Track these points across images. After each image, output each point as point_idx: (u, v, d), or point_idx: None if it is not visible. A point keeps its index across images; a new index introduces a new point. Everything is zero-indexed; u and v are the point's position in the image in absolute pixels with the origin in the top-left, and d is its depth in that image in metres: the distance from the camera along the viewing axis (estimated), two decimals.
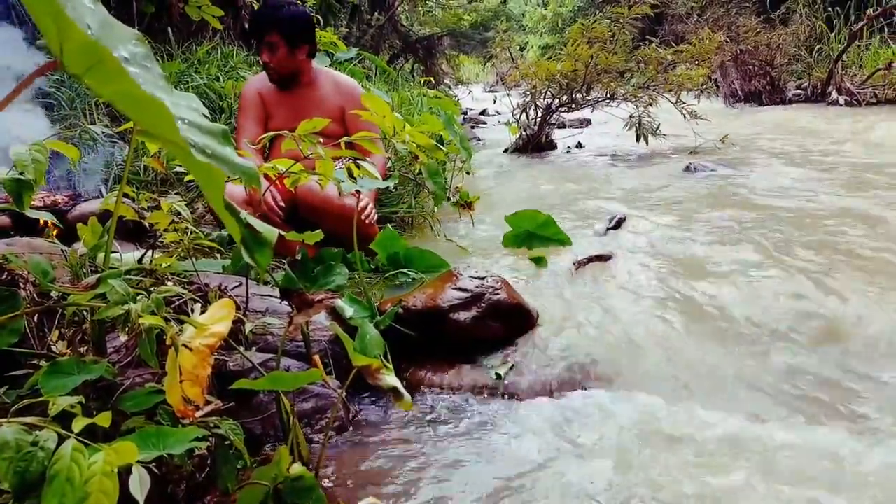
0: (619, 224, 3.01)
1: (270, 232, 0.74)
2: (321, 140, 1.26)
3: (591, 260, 2.43)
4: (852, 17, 8.48)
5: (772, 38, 8.01)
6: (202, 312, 1.01)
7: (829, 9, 8.94)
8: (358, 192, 1.63)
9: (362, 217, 2.16)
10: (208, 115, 0.77)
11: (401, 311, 1.67)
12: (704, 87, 5.75)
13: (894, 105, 7.08)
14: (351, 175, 1.39)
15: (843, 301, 1.98)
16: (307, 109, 2.41)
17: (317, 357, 1.38)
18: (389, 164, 3.05)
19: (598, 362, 1.70)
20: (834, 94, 7.62)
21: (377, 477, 1.25)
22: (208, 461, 1.08)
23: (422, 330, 1.71)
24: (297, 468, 0.98)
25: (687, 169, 4.11)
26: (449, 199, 3.74)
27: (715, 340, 1.82)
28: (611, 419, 1.47)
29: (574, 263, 2.35)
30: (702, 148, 4.88)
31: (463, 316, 1.74)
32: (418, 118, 3.40)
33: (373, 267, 2.07)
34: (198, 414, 0.98)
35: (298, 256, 1.34)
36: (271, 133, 1.51)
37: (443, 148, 1.50)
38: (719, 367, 1.70)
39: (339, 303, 1.54)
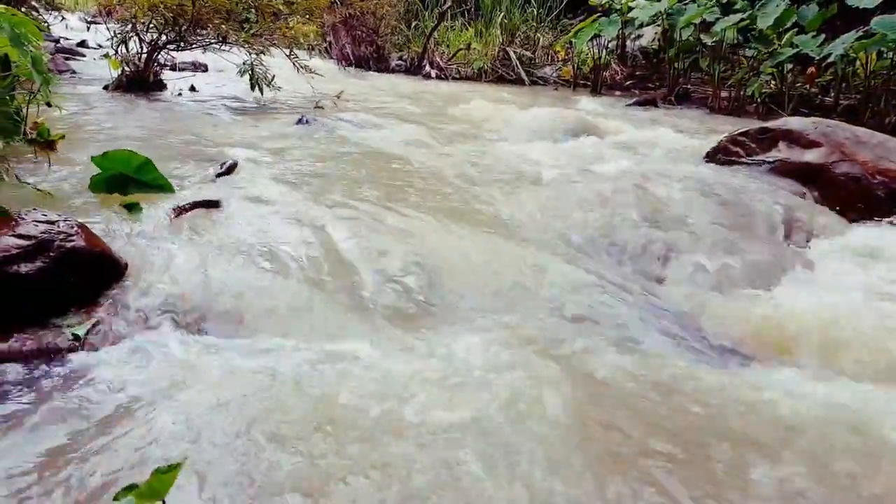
0: (230, 170, 2.91)
1: None
2: None
3: (194, 206, 2.30)
4: None
5: (376, 8, 8.70)
6: None
7: None
8: None
9: None
10: None
11: None
12: (317, 44, 5.94)
13: (471, 81, 8.51)
14: None
15: (425, 241, 2.30)
16: None
17: None
18: None
19: (192, 311, 1.65)
20: (427, 68, 8.75)
21: None
22: None
23: None
24: None
25: (300, 121, 4.22)
26: (25, 135, 3.08)
27: (309, 282, 1.93)
28: (202, 366, 1.44)
29: (173, 209, 2.19)
30: (317, 103, 5.07)
31: (25, 268, 1.48)
32: None
33: None
34: None
35: None
36: None
37: None
38: (311, 305, 1.81)
39: None
